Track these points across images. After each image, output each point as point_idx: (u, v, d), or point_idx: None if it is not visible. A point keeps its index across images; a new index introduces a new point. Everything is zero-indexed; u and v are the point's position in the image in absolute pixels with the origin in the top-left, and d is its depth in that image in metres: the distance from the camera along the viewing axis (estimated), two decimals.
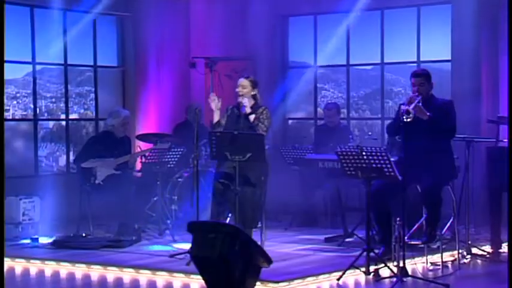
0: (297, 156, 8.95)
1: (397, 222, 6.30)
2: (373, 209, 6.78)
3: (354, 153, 6.46)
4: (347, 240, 8.00)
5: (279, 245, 7.88)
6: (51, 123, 10.16)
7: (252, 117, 7.27)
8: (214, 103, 7.38)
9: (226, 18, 10.66)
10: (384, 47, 10.02)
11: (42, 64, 9.86)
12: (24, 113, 9.79)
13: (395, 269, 6.33)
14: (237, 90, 7.39)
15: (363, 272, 6.44)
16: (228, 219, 7.22)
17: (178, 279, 6.59)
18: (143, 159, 8.74)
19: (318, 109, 10.59)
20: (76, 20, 9.95)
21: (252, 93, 7.40)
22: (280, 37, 10.75)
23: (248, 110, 7.29)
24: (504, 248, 7.25)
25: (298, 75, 10.76)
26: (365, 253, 6.46)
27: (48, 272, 7.05)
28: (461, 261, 6.99)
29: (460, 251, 7.03)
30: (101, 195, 8.44)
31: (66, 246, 7.87)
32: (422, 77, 7.01)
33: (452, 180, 7.05)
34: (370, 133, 9.94)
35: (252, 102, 7.38)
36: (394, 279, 6.25)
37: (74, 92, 10.27)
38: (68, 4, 9.70)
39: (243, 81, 7.42)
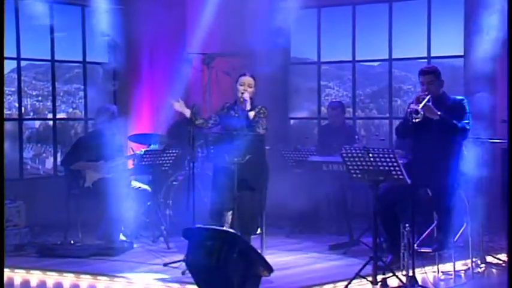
0: (300, 158, 8.93)
1: (406, 229, 6.29)
2: (381, 215, 6.78)
3: (360, 154, 6.45)
4: (353, 247, 8.00)
5: (280, 253, 7.88)
6: (37, 123, 10.15)
7: (252, 113, 7.29)
8: (177, 105, 7.44)
9: (224, 12, 10.64)
10: (392, 42, 10.02)
11: (27, 60, 9.85)
12: (9, 112, 9.78)
13: (404, 279, 6.32)
14: (242, 88, 7.37)
15: (370, 281, 6.43)
16: (230, 217, 7.19)
17: None
18: (135, 161, 8.73)
19: (322, 108, 10.59)
20: (64, 13, 9.94)
21: (254, 91, 7.45)
22: (281, 31, 10.73)
23: (249, 106, 7.30)
24: None
25: (300, 72, 10.78)
26: (372, 261, 6.45)
27: (33, 282, 7.04)
28: (475, 271, 6.98)
29: (474, 259, 7.02)
30: (91, 199, 8.43)
31: (53, 254, 7.86)
32: (431, 74, 7.03)
33: (465, 184, 7.04)
34: (377, 133, 9.94)
35: (250, 100, 7.41)
36: None
37: (61, 90, 10.26)
38: None
39: (249, 79, 7.41)
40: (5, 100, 9.74)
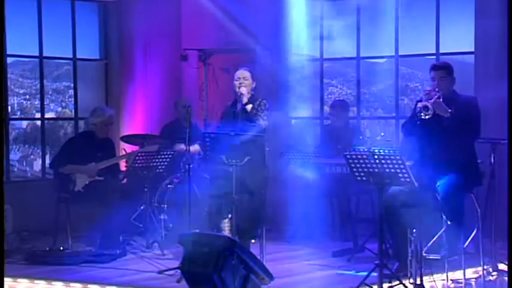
0: (301, 159, 8.93)
1: (414, 234, 6.29)
2: (387, 219, 6.76)
3: (364, 156, 6.45)
4: (357, 254, 8.00)
5: (281, 260, 7.87)
6: (24, 123, 10.14)
7: (249, 106, 7.35)
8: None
9: (222, 6, 10.65)
10: (398, 38, 10.00)
11: (14, 56, 9.85)
12: None
13: (411, 287, 6.31)
14: (238, 83, 7.44)
15: None
16: (228, 223, 7.20)
17: None
18: (129, 163, 8.72)
19: (325, 107, 10.58)
20: (53, 6, 9.94)
21: (252, 86, 7.49)
22: (282, 26, 10.73)
23: (246, 99, 7.36)
24: None
25: (302, 69, 10.77)
26: (377, 269, 6.44)
27: None
28: (487, 279, 6.97)
29: (485, 267, 7.01)
30: (81, 203, 8.43)
31: (41, 262, 7.85)
32: (443, 70, 7.01)
33: (476, 188, 7.04)
34: (382, 134, 9.91)
35: (249, 94, 7.47)
36: None
37: (50, 88, 10.26)
38: None
39: (244, 72, 7.53)
40: None
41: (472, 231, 7.04)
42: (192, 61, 10.17)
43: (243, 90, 7.42)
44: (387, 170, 6.34)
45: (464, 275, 6.83)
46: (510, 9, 6.67)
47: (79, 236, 8.64)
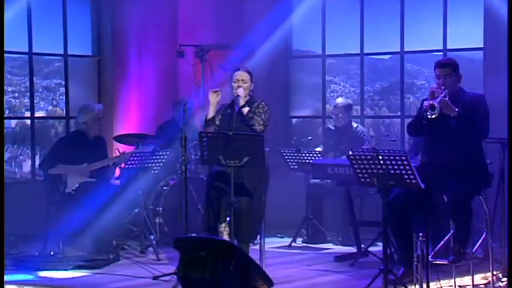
0: (302, 160, 8.94)
1: (420, 238, 6.28)
2: (392, 223, 6.77)
3: (368, 157, 6.44)
4: (361, 259, 7.99)
5: (281, 265, 7.87)
6: (13, 122, 10.13)
7: (245, 109, 7.34)
8: (213, 96, 7.46)
9: (219, 0, 10.65)
10: (404, 33, 10.01)
11: None
12: None
13: None
14: (236, 85, 7.46)
15: None
16: (225, 228, 7.20)
17: None
18: (122, 164, 8.72)
19: (327, 106, 10.59)
20: (43, 0, 9.93)
21: (251, 87, 7.49)
22: (282, 22, 10.73)
23: (242, 102, 7.36)
24: None
25: (303, 66, 10.77)
26: (382, 274, 6.44)
27: None
28: (496, 285, 6.97)
29: (495, 272, 7.01)
30: (72, 206, 8.42)
31: (31, 267, 7.84)
32: (448, 67, 7.01)
33: (484, 190, 7.03)
34: (387, 134, 9.94)
35: (248, 97, 7.46)
36: None
37: (40, 86, 10.25)
38: None
39: (243, 74, 7.51)
40: None
41: (481, 235, 7.04)
42: (189, 57, 10.16)
43: (240, 92, 7.42)
44: (392, 172, 6.33)
45: (473, 281, 6.83)
46: (510, 9, 6.69)
47: (70, 240, 8.63)
